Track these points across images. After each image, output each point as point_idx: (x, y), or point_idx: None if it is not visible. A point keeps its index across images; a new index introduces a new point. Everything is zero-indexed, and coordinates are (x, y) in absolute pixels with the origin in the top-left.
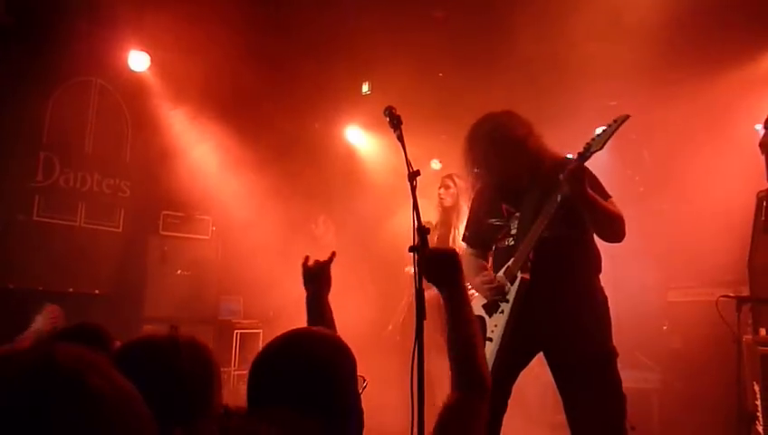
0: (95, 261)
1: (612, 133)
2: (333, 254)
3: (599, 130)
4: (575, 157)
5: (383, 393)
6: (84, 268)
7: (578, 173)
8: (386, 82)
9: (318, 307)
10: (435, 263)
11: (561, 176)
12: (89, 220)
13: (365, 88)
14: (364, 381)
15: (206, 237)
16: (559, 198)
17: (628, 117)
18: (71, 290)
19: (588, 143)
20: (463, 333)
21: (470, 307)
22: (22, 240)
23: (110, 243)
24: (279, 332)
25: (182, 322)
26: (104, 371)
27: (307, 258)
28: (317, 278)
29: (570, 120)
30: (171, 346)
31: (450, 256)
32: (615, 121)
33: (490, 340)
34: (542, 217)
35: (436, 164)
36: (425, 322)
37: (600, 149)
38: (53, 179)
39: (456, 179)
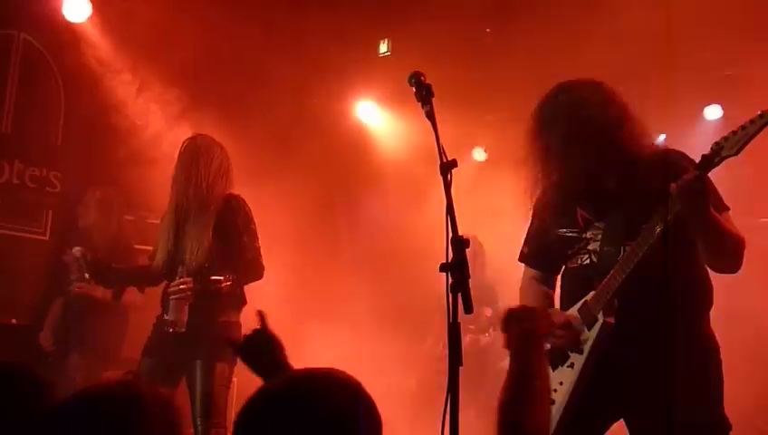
0: (12, 280)
1: (755, 134)
2: (261, 313)
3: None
4: (698, 161)
5: None
6: None
7: (699, 187)
8: (411, 41)
9: None
10: (514, 325)
11: (673, 186)
12: (4, 224)
13: (383, 47)
14: None
15: None
16: (659, 226)
17: None
18: None
19: (717, 144)
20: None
21: (544, 372)
22: None
23: (34, 255)
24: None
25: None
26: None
27: (234, 342)
28: (260, 355)
29: (672, 97)
30: (133, 403)
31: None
32: (761, 117)
33: (552, 401)
34: (640, 242)
35: (479, 154)
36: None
37: (735, 154)
38: None
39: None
